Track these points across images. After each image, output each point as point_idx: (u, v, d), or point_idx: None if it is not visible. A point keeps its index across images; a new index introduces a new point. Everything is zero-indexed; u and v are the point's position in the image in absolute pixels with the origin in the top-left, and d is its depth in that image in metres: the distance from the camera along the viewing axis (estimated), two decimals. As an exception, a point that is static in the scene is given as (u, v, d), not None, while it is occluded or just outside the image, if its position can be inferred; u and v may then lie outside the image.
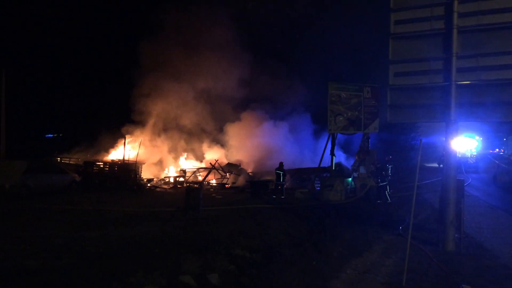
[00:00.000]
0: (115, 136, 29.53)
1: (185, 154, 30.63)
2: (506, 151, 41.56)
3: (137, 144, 26.42)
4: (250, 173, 26.74)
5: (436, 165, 33.80)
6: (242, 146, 30.18)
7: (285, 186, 19.58)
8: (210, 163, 27.11)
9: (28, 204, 14.77)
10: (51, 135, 45.33)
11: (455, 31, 9.00)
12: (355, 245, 9.50)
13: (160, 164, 28.78)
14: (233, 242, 9.22)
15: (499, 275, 7.37)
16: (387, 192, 15.86)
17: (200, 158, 30.88)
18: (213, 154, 30.01)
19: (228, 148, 30.73)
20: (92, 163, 23.72)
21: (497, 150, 44.45)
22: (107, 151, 29.18)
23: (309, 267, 7.79)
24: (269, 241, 9.75)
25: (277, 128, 31.16)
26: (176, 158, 30.38)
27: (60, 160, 28.23)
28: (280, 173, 18.84)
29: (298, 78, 33.54)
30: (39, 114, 39.47)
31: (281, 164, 19.20)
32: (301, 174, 23.82)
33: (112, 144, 29.46)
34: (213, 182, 25.72)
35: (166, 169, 28.64)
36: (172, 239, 9.58)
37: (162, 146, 30.04)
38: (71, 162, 27.93)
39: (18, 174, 16.68)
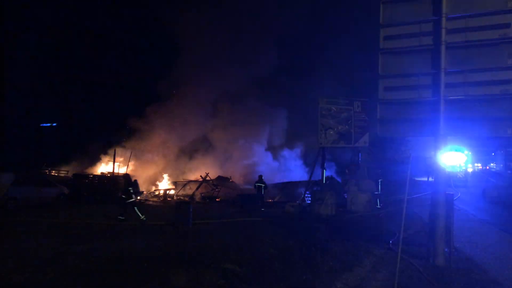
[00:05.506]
0: (105, 148, 29.38)
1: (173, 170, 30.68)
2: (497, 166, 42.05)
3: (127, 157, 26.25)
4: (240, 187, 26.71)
5: (425, 179, 34.14)
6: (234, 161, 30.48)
7: (267, 199, 19.74)
8: (201, 176, 26.99)
9: (15, 217, 14.53)
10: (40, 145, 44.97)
11: (443, 47, 9.13)
12: (346, 259, 9.46)
13: (151, 177, 28.62)
14: (223, 256, 9.14)
15: (488, 289, 7.38)
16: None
17: (191, 171, 30.80)
18: (204, 168, 30.04)
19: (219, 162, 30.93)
20: (81, 176, 23.49)
21: (493, 164, 44.81)
22: (96, 163, 28.97)
23: (299, 282, 7.73)
24: (259, 255, 9.68)
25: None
26: (168, 171, 30.27)
27: (49, 172, 27.95)
28: (260, 186, 18.90)
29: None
30: (27, 125, 39.09)
31: (260, 177, 19.24)
32: (292, 188, 23.77)
33: (102, 157, 29.28)
34: (203, 195, 25.54)
35: (162, 181, 28.51)
36: (161, 253, 9.48)
37: (154, 159, 29.95)
38: (60, 174, 27.66)
39: (5, 187, 16.47)
